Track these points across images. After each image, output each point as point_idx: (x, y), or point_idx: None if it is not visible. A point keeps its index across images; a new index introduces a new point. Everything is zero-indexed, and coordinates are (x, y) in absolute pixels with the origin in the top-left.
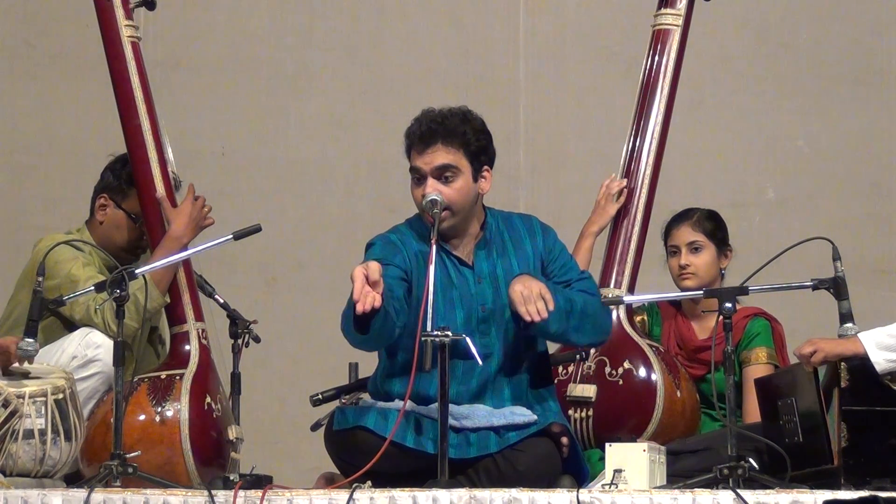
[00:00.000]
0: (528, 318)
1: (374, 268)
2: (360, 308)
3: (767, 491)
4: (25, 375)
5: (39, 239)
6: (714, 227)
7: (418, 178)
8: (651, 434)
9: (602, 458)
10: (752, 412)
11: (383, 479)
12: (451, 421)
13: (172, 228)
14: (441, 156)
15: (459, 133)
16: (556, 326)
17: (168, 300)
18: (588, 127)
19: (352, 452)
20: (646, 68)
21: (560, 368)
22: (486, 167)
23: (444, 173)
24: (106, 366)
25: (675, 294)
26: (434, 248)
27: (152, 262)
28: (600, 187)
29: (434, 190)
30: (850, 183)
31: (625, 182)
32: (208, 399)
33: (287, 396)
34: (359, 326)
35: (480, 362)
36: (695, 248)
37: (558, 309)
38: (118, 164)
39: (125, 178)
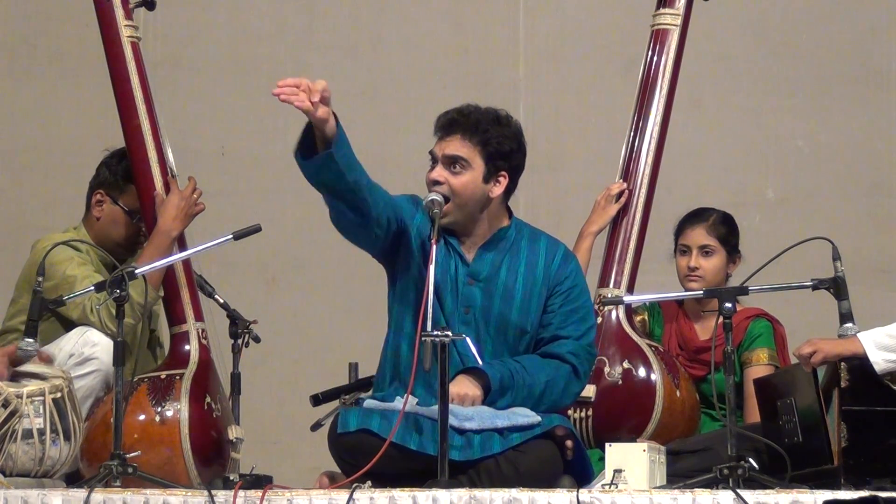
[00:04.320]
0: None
1: (321, 84)
2: (278, 92)
3: (767, 491)
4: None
5: (37, 240)
6: (727, 233)
7: (433, 161)
8: (651, 434)
9: (602, 458)
10: (754, 413)
11: (386, 480)
12: (454, 423)
13: (160, 223)
14: (455, 146)
15: (481, 130)
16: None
17: (162, 294)
18: (588, 127)
19: (356, 455)
20: (645, 68)
21: None
22: (503, 172)
23: (453, 163)
24: (103, 364)
25: (674, 294)
26: (434, 248)
27: (145, 259)
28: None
29: (440, 175)
30: (850, 183)
31: (625, 185)
32: (208, 399)
33: (287, 396)
34: (303, 148)
35: (480, 363)
36: (706, 252)
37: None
38: (114, 160)
39: (122, 173)
